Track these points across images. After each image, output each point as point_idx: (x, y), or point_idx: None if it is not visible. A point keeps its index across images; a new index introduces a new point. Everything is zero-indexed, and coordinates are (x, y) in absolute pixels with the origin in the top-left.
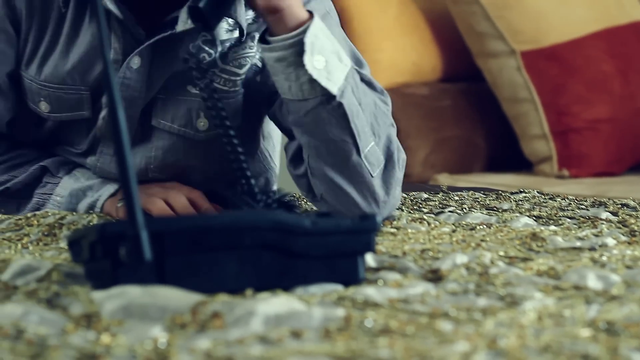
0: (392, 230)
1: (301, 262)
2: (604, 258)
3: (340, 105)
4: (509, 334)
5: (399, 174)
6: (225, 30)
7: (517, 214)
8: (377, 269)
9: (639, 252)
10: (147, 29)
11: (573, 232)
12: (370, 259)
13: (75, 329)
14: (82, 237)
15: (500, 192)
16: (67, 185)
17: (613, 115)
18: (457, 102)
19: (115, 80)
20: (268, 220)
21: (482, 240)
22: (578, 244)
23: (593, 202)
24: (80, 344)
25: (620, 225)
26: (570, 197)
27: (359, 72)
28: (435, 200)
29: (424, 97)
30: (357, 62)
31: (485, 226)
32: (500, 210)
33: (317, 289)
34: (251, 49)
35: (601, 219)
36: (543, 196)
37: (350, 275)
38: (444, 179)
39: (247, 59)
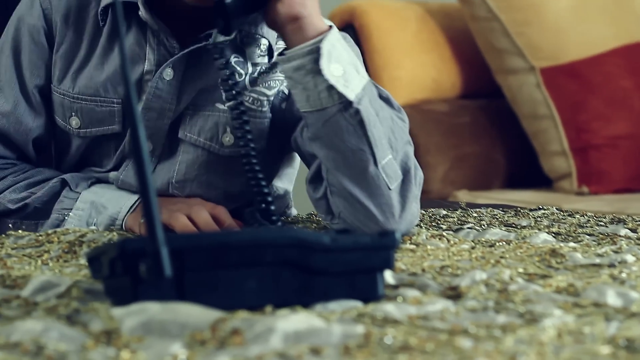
0: (411, 246)
1: (320, 278)
2: (624, 275)
3: (357, 112)
4: (529, 351)
5: (415, 190)
6: (257, 55)
7: (536, 231)
8: (396, 286)
9: None
10: (183, 43)
11: (592, 248)
12: (389, 276)
13: (95, 346)
14: (102, 253)
15: (518, 208)
16: (86, 199)
17: (633, 132)
18: (477, 119)
19: (135, 93)
20: (288, 237)
21: (501, 257)
22: (597, 260)
23: (612, 218)
24: None
25: None
26: (589, 213)
27: (376, 87)
28: (453, 217)
29: (443, 114)
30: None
31: (504, 243)
32: (519, 227)
33: (337, 306)
34: (280, 74)
35: (620, 236)
36: (562, 213)
37: (369, 292)
38: (463, 196)
39: (277, 81)
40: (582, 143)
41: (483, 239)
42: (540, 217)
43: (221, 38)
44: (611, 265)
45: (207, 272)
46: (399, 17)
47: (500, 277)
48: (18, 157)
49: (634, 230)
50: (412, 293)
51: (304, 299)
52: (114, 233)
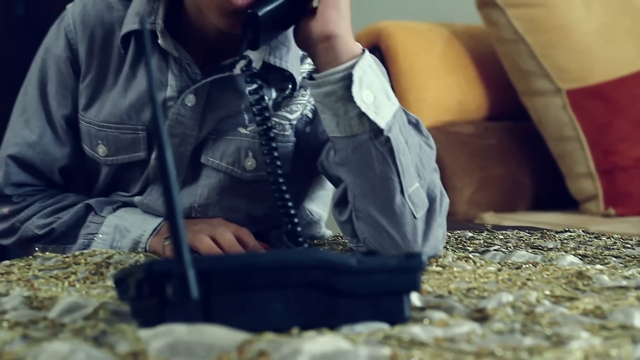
0: (438, 269)
1: (347, 300)
2: None
3: (387, 140)
4: None
5: (439, 219)
6: (279, 80)
7: (563, 253)
8: (422, 308)
9: None
10: (205, 70)
11: (619, 271)
12: (415, 298)
13: None
14: (128, 275)
15: (545, 230)
16: (111, 223)
17: None
18: (503, 141)
19: (162, 115)
20: (314, 258)
21: (527, 279)
22: (624, 283)
23: (639, 240)
24: None
25: None
26: (616, 235)
27: (406, 113)
28: (480, 239)
29: (469, 136)
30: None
31: (530, 265)
32: (545, 249)
33: (363, 328)
34: (303, 97)
35: None
36: (588, 235)
37: (396, 314)
38: (490, 218)
39: (299, 105)
40: (608, 165)
41: (509, 261)
42: (566, 239)
43: (243, 63)
44: (638, 288)
45: (233, 294)
46: (425, 39)
47: (526, 300)
48: (46, 185)
49: None
50: (439, 315)
51: (330, 321)
52: (141, 255)
